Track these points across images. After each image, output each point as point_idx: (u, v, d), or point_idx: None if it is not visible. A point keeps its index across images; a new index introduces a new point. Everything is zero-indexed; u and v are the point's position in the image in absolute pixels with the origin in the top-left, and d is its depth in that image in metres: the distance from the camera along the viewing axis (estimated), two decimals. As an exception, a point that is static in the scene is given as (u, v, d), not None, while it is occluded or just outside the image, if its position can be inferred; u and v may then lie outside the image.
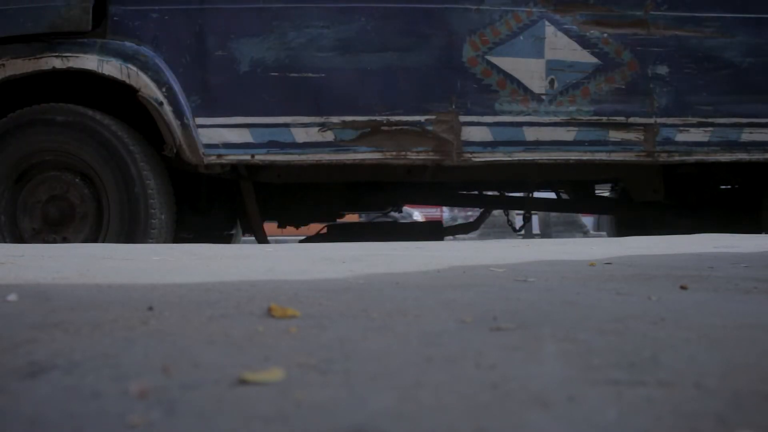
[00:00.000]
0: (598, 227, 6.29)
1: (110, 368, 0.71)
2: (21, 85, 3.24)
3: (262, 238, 3.89)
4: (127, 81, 3.13)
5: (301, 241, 4.26)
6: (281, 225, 4.32)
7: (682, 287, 1.37)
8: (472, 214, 9.53)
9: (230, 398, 0.61)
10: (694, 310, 1.10)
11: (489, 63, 3.28)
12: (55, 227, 3.24)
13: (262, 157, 3.24)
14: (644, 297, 1.23)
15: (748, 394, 0.63)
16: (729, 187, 4.27)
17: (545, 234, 8.92)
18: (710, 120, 3.35)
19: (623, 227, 5.00)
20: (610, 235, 5.39)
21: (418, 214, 11.71)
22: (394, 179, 3.81)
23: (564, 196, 4.57)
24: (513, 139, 3.31)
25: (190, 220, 3.84)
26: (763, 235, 3.28)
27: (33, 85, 3.27)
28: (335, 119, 3.24)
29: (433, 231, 4.27)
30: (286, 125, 3.24)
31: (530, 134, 3.32)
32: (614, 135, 3.35)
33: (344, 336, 0.87)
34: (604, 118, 3.34)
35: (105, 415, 0.57)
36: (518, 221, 6.49)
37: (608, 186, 4.90)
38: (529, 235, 8.42)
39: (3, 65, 3.13)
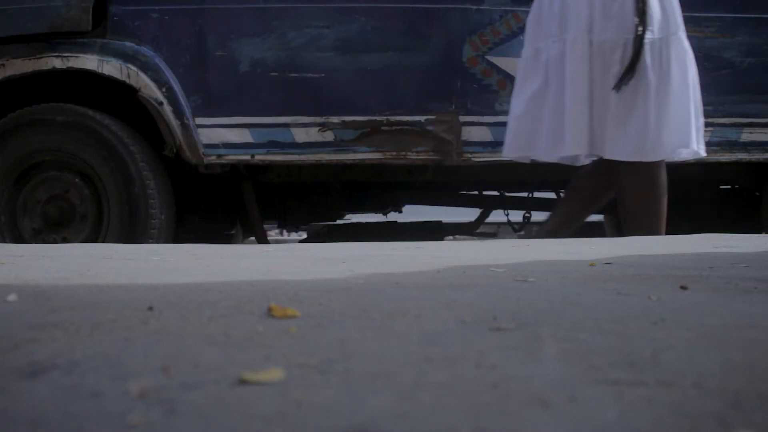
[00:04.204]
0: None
1: (110, 368, 0.71)
2: (21, 85, 3.24)
3: (262, 238, 3.89)
4: (127, 81, 3.13)
5: (300, 241, 4.26)
6: (281, 225, 4.32)
7: (682, 287, 1.37)
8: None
9: (230, 398, 0.61)
10: (694, 310, 1.10)
11: (489, 63, 3.28)
12: (55, 227, 3.24)
13: (262, 157, 3.24)
14: (644, 297, 1.23)
15: (748, 394, 0.63)
16: (729, 187, 4.26)
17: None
18: (710, 120, 3.34)
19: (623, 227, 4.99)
20: (610, 235, 5.38)
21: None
22: (394, 179, 3.81)
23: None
24: None
25: (190, 220, 3.84)
26: (763, 235, 3.28)
27: (33, 85, 3.27)
28: (335, 119, 3.24)
29: (433, 231, 4.27)
30: (286, 125, 3.24)
31: (530, 134, 3.31)
32: (614, 135, 3.34)
33: (344, 336, 0.87)
34: (604, 118, 3.33)
35: (105, 415, 0.57)
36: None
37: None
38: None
39: (3, 65, 3.13)
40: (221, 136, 3.21)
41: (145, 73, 3.14)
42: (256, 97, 3.22)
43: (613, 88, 2.81)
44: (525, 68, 3.02)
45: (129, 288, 1.33)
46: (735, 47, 3.35)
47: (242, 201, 3.72)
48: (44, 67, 3.13)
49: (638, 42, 2.79)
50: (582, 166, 3.12)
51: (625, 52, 2.82)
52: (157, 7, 3.20)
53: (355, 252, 2.22)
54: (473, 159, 3.30)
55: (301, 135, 3.24)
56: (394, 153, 3.27)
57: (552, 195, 4.54)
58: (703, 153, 3.01)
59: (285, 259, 1.96)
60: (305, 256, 2.10)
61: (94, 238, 3.24)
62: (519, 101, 3.00)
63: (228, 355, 0.77)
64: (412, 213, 4.56)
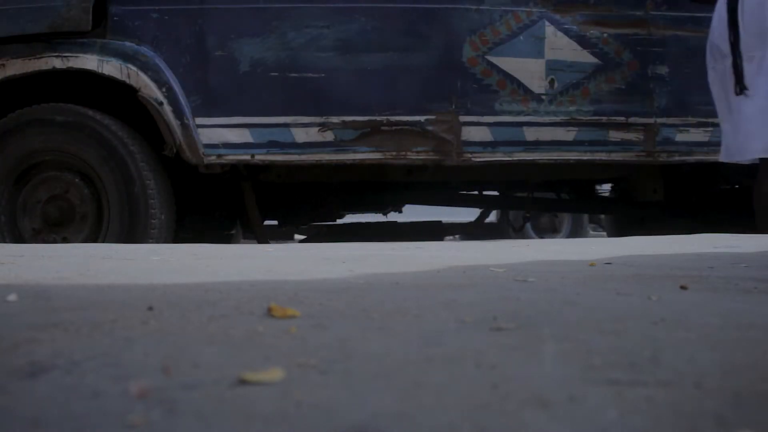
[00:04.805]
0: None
1: (110, 368, 0.71)
2: (21, 85, 3.23)
3: (262, 238, 3.89)
4: (127, 81, 3.13)
5: (300, 241, 4.26)
6: (281, 225, 4.32)
7: (682, 287, 1.37)
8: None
9: (230, 398, 0.61)
10: (694, 310, 1.10)
11: (489, 63, 3.28)
12: (55, 227, 3.24)
13: (262, 157, 3.24)
14: (644, 297, 1.23)
15: (748, 394, 0.63)
16: (729, 187, 4.27)
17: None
18: (710, 120, 3.34)
19: (623, 227, 5.00)
20: (610, 235, 5.39)
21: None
22: (394, 179, 3.81)
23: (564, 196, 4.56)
24: (513, 139, 3.31)
25: (190, 220, 3.84)
26: (763, 235, 3.28)
27: (33, 85, 3.27)
28: (335, 119, 3.24)
29: (433, 231, 4.27)
30: (286, 125, 3.23)
31: (530, 134, 3.32)
32: (614, 135, 3.35)
33: (344, 336, 0.87)
34: (604, 118, 3.33)
35: (105, 415, 0.57)
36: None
37: (608, 186, 4.89)
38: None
39: (3, 65, 3.13)
40: (221, 136, 3.21)
41: (145, 73, 3.14)
42: (256, 97, 3.22)
43: None
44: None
45: (129, 288, 1.33)
46: (735, 47, 3.35)
47: (242, 201, 3.72)
48: (44, 67, 3.13)
49: None
50: None
51: None
52: (157, 7, 3.19)
53: (355, 252, 2.22)
54: (473, 159, 3.30)
55: (301, 135, 3.24)
56: (394, 153, 3.27)
57: (552, 195, 4.54)
58: None
59: (285, 259, 1.96)
60: (305, 256, 2.10)
61: (94, 238, 3.23)
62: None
63: (228, 355, 0.77)
64: (412, 213, 4.56)
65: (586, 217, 6.56)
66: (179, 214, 3.45)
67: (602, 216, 6.62)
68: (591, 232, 7.00)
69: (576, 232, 6.39)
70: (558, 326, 0.94)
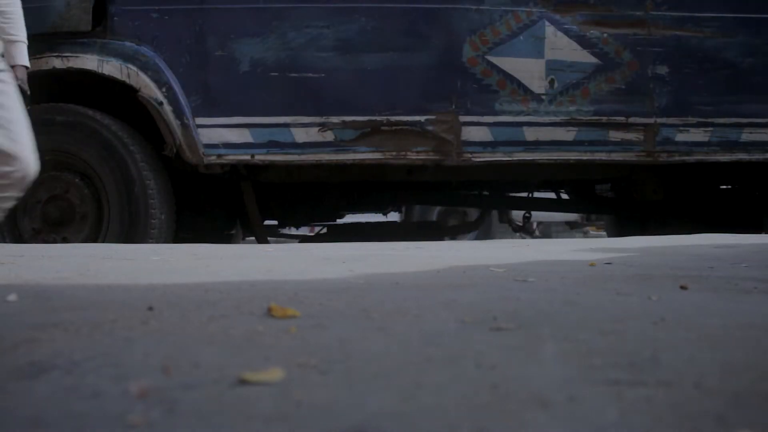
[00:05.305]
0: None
1: (110, 368, 0.71)
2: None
3: (262, 238, 3.89)
4: (127, 81, 3.13)
5: (300, 241, 4.26)
6: (281, 225, 4.32)
7: (682, 287, 1.37)
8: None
9: (230, 398, 0.61)
10: (694, 310, 1.10)
11: (489, 63, 3.28)
12: (55, 227, 3.24)
13: (262, 157, 3.24)
14: (644, 297, 1.23)
15: (748, 394, 0.63)
16: (729, 187, 4.27)
17: (545, 234, 8.92)
18: (710, 120, 3.35)
19: (623, 227, 5.00)
20: (610, 235, 5.39)
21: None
22: (394, 179, 3.81)
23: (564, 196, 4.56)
24: (513, 139, 3.31)
25: (190, 220, 3.84)
26: (763, 235, 3.28)
27: (33, 84, 3.27)
28: (335, 119, 3.24)
29: (432, 231, 4.27)
30: (286, 125, 3.23)
31: (530, 134, 3.32)
32: (614, 135, 3.35)
33: (344, 336, 0.87)
34: (604, 118, 3.33)
35: (105, 415, 0.57)
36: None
37: (608, 186, 4.89)
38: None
39: (3, 65, 3.13)
40: (221, 136, 3.21)
41: (145, 73, 3.14)
42: (256, 97, 3.22)
43: None
44: None
45: (129, 288, 1.33)
46: (735, 47, 3.35)
47: (242, 201, 3.72)
48: (44, 67, 3.13)
49: None
50: None
51: None
52: (157, 7, 3.19)
53: (355, 252, 2.22)
54: (473, 159, 3.30)
55: (301, 135, 3.24)
56: (394, 153, 3.27)
57: (552, 195, 4.55)
58: None
59: (285, 259, 1.96)
60: (305, 256, 2.10)
61: (94, 238, 3.23)
62: None
63: (228, 355, 0.77)
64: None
65: (495, 217, 6.32)
66: (179, 214, 3.45)
67: (512, 216, 6.42)
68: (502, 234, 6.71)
69: (485, 234, 6.18)
70: (558, 326, 0.94)
